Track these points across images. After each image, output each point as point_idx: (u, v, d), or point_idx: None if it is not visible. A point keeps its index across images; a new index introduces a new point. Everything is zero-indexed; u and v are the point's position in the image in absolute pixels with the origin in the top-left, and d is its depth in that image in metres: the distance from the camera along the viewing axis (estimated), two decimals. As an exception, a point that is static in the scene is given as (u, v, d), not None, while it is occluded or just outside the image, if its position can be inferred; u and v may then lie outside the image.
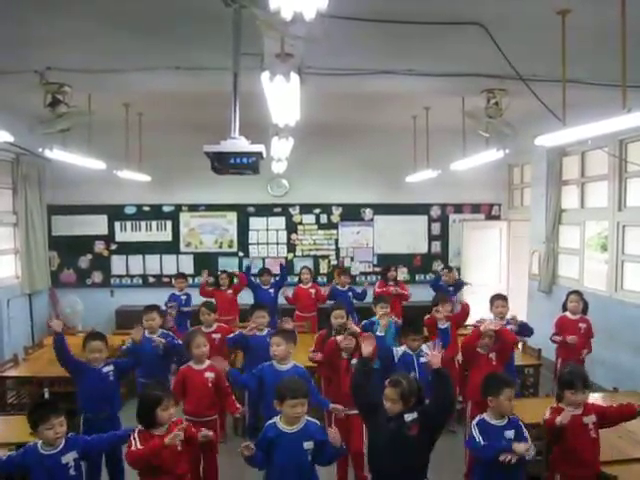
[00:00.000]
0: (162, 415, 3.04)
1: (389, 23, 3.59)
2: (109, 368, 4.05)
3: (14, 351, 5.71)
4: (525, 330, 5.09)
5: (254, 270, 7.68)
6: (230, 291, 7.15)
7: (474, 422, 3.28)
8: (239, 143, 2.91)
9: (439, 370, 3.13)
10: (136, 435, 3.03)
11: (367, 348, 3.38)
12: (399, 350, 4.33)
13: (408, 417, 2.95)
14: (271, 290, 7.28)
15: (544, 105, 4.22)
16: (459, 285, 7.58)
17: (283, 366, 3.96)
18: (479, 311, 5.51)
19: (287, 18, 1.88)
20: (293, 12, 1.85)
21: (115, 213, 8.68)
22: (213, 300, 6.49)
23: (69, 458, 2.98)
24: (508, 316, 4.97)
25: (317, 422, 3.16)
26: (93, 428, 3.87)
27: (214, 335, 5.12)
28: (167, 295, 7.12)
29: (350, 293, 7.16)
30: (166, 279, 8.66)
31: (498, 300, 5.08)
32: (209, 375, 4.07)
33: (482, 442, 3.13)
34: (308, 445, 3.02)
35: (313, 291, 7.27)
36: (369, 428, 3.20)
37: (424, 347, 4.41)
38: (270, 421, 3.13)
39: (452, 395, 3.26)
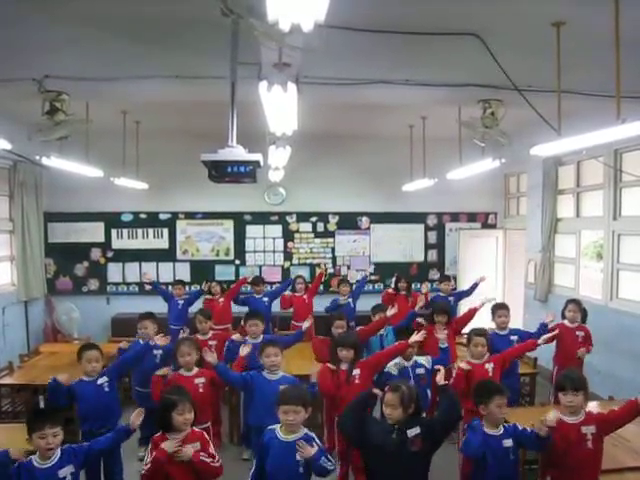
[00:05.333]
0: (177, 419, 2.98)
1: (386, 33, 3.62)
2: (103, 380, 3.98)
3: (9, 358, 5.66)
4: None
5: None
6: (221, 299, 6.99)
7: (468, 424, 3.23)
8: (236, 152, 2.92)
9: (445, 387, 3.14)
10: (149, 449, 2.97)
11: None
12: (395, 366, 4.34)
13: (411, 432, 2.95)
14: (265, 299, 7.09)
15: (539, 115, 4.25)
16: (458, 294, 7.44)
17: (273, 376, 3.97)
18: (475, 319, 5.51)
19: (285, 29, 1.88)
20: (291, 23, 1.86)
21: (112, 220, 8.66)
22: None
23: (66, 472, 2.89)
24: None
25: (314, 435, 3.11)
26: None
27: (210, 342, 5.14)
28: (164, 303, 7.11)
29: (350, 299, 7.06)
30: (162, 287, 8.60)
31: (500, 310, 5.16)
32: (199, 381, 4.09)
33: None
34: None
35: (307, 297, 7.20)
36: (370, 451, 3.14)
37: (422, 359, 4.42)
38: (270, 427, 3.12)
39: (459, 411, 3.24)
